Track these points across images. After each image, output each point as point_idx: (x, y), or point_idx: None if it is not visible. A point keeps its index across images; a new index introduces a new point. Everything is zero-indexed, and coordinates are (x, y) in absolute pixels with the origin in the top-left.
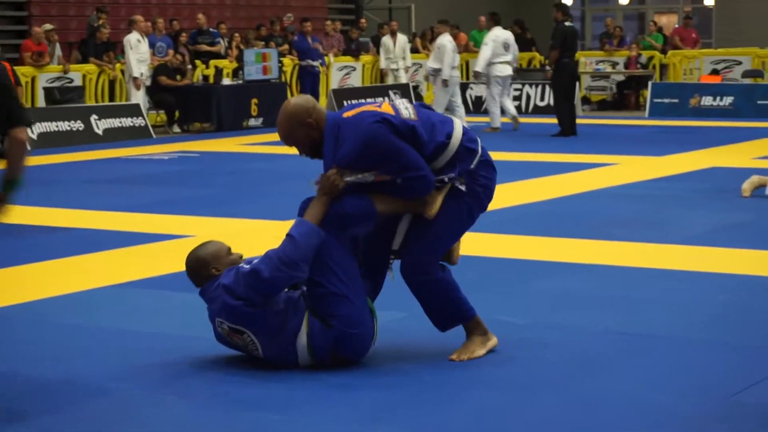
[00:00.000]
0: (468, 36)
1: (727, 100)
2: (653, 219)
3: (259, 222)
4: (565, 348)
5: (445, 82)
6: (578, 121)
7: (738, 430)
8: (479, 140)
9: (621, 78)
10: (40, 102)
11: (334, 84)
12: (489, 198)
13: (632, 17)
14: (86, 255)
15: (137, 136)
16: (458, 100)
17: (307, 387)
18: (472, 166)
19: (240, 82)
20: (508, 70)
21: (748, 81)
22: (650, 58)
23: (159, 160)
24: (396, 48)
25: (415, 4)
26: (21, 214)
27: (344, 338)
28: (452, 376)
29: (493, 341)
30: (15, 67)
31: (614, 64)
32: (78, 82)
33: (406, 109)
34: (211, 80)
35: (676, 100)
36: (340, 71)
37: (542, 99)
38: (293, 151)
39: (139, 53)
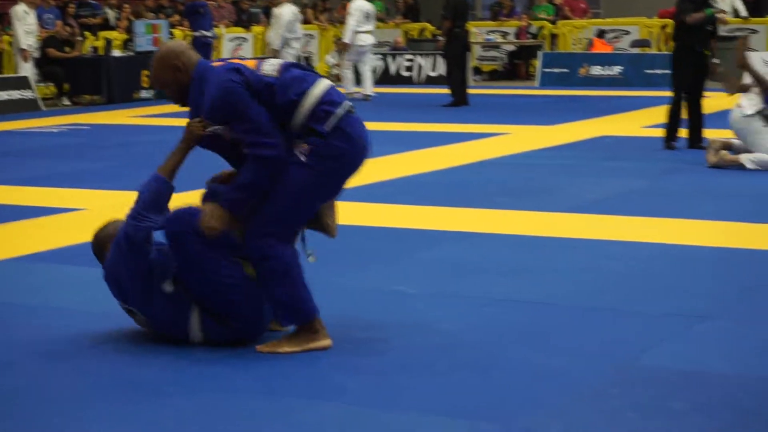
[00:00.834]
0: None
1: (616, 70)
2: (543, 187)
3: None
4: (458, 317)
5: (275, 53)
6: (470, 91)
7: (631, 395)
8: (346, 106)
9: (512, 48)
10: None
11: (226, 55)
12: (345, 169)
13: None
14: None
15: (26, 108)
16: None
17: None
18: (326, 128)
19: (131, 54)
20: (370, 39)
21: (636, 50)
22: (540, 29)
23: (49, 133)
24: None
25: None
26: None
27: (243, 333)
28: (352, 341)
29: (322, 342)
30: None
31: (505, 35)
32: None
33: (270, 66)
34: (101, 52)
35: (566, 70)
36: (232, 42)
37: (434, 69)
38: (184, 122)
39: (26, 25)
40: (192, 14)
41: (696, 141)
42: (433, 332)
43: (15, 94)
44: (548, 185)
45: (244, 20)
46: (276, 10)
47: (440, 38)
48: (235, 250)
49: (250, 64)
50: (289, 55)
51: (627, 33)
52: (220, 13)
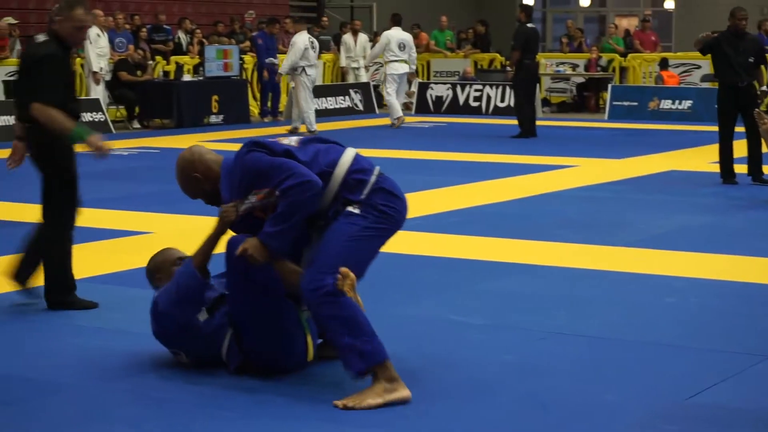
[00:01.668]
0: (429, 35)
1: (686, 104)
2: (607, 221)
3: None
4: (516, 349)
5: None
6: (538, 122)
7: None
8: (376, 171)
9: (581, 80)
10: (0, 95)
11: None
12: (392, 224)
13: (593, 20)
14: None
15: (97, 130)
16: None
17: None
18: (362, 197)
19: (201, 78)
20: (403, 68)
21: (706, 85)
22: (610, 61)
23: (119, 155)
24: (357, 47)
25: (377, 3)
26: None
27: (255, 360)
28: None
29: (402, 394)
30: None
31: (574, 66)
32: None
33: (288, 140)
34: (172, 76)
35: (635, 103)
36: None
37: (502, 100)
38: None
39: (98, 47)
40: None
41: (757, 175)
42: (491, 364)
43: (86, 117)
44: (613, 219)
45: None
46: (293, 39)
47: (510, 69)
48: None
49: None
50: (306, 83)
51: (698, 67)
52: (290, 39)
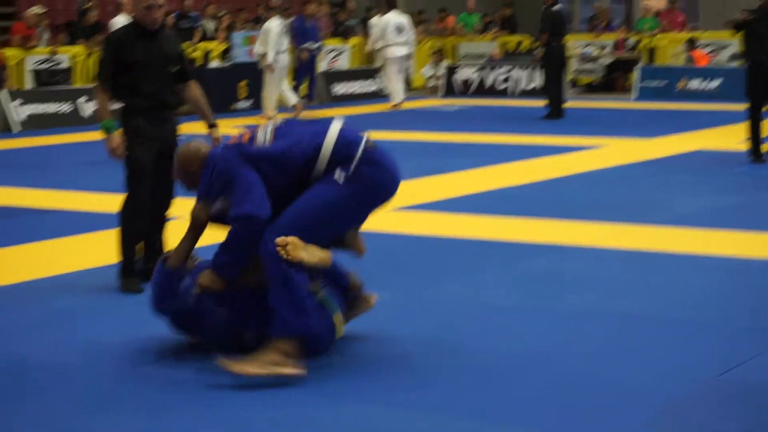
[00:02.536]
0: (456, 19)
1: (715, 83)
2: (637, 201)
3: None
4: (546, 329)
5: (269, 67)
6: (566, 103)
7: (722, 410)
8: (363, 141)
9: (609, 61)
10: (28, 84)
11: (323, 66)
12: (377, 196)
13: (620, 0)
14: (76, 236)
15: None
16: (284, 84)
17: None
18: (349, 173)
19: (228, 64)
20: (402, 51)
21: (735, 64)
22: (638, 41)
23: None
24: None
25: None
26: (11, 196)
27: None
28: (437, 352)
29: (290, 370)
30: (1, 50)
31: (602, 47)
32: (66, 65)
33: (263, 134)
34: (199, 63)
35: (663, 83)
36: (328, 54)
37: (530, 82)
38: None
39: None
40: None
41: None
42: (521, 344)
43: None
44: (642, 198)
45: (341, 31)
46: (265, 25)
47: (537, 51)
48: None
49: (245, 137)
50: (282, 69)
51: (725, 47)
52: (321, 23)
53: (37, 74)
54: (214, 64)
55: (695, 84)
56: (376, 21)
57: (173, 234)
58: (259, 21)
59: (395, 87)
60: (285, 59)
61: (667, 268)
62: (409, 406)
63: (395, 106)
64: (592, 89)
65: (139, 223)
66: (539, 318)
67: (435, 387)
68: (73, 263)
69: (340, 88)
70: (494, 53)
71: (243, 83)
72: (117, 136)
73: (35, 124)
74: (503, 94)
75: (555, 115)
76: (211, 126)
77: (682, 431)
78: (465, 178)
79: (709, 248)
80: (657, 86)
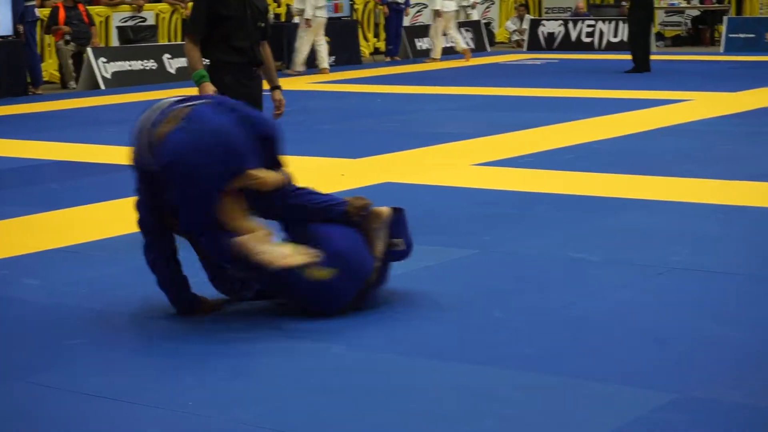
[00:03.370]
0: None
1: None
2: (725, 155)
3: (325, 160)
4: (634, 284)
5: (308, 22)
6: (652, 57)
7: None
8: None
9: (696, 13)
10: (114, 41)
11: (406, 21)
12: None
13: None
14: None
15: None
16: (322, 39)
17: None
18: None
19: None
20: (451, 6)
21: None
22: None
23: None
24: None
25: None
26: (95, 153)
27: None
28: (523, 307)
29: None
30: (88, 7)
31: None
32: (151, 21)
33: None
34: (283, 18)
35: (752, 35)
36: (412, 9)
37: (615, 35)
38: (361, 88)
39: None
40: None
41: None
42: (608, 299)
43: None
44: (731, 153)
45: None
46: None
47: (624, 3)
48: None
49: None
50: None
51: None
52: None
53: (122, 31)
54: (297, 20)
55: None
56: None
57: None
58: None
59: (438, 43)
60: (322, 14)
61: (758, 223)
62: (496, 363)
63: (433, 60)
64: (678, 42)
65: None
66: (626, 273)
67: (521, 344)
68: None
69: (424, 43)
70: (579, 6)
71: (326, 39)
72: (210, 86)
73: (121, 81)
74: (589, 47)
75: (641, 69)
76: (275, 88)
77: None
78: (549, 133)
79: None
80: (745, 38)
